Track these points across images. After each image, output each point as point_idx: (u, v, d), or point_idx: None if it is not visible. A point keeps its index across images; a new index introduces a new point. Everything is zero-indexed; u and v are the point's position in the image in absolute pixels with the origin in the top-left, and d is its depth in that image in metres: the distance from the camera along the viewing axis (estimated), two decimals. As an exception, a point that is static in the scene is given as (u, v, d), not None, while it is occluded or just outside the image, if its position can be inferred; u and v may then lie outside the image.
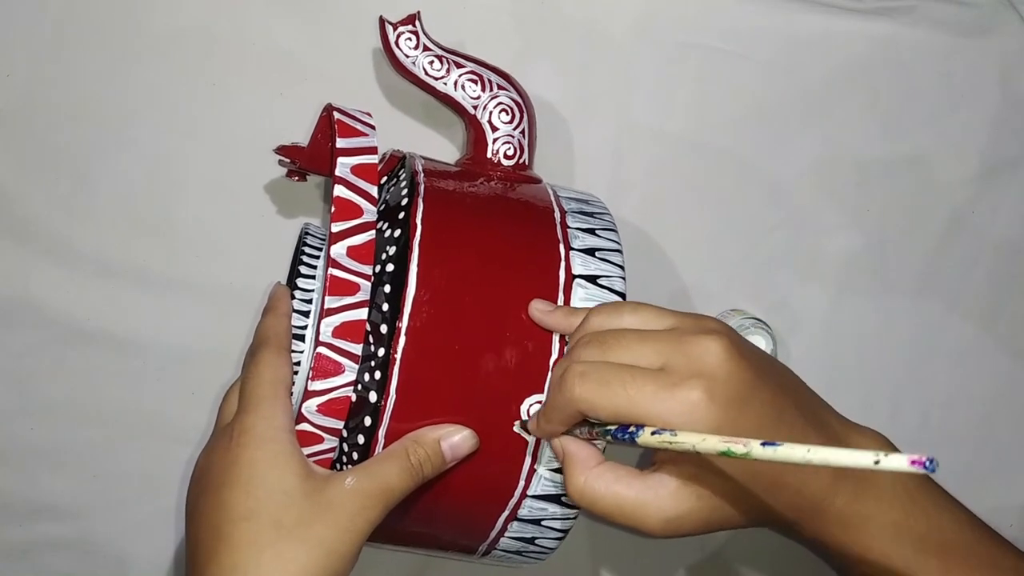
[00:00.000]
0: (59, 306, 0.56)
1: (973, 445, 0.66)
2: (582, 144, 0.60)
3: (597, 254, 0.46)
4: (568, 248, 0.46)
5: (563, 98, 0.59)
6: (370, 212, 0.44)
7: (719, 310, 0.62)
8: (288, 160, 0.51)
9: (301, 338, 0.46)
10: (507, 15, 0.58)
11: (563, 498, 0.45)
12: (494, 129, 0.51)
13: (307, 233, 0.49)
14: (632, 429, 0.36)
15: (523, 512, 0.45)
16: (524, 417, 0.43)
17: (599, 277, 0.45)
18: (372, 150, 0.46)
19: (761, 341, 0.60)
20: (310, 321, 0.46)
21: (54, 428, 0.58)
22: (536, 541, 0.47)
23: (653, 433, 0.35)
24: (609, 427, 0.38)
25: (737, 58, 0.60)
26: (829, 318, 0.64)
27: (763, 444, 0.31)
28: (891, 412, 0.64)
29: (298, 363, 0.46)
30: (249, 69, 0.56)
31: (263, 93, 0.57)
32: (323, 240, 0.48)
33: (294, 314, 0.46)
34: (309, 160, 0.50)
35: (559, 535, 0.47)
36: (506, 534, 0.46)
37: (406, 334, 0.42)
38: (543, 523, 0.46)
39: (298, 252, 0.50)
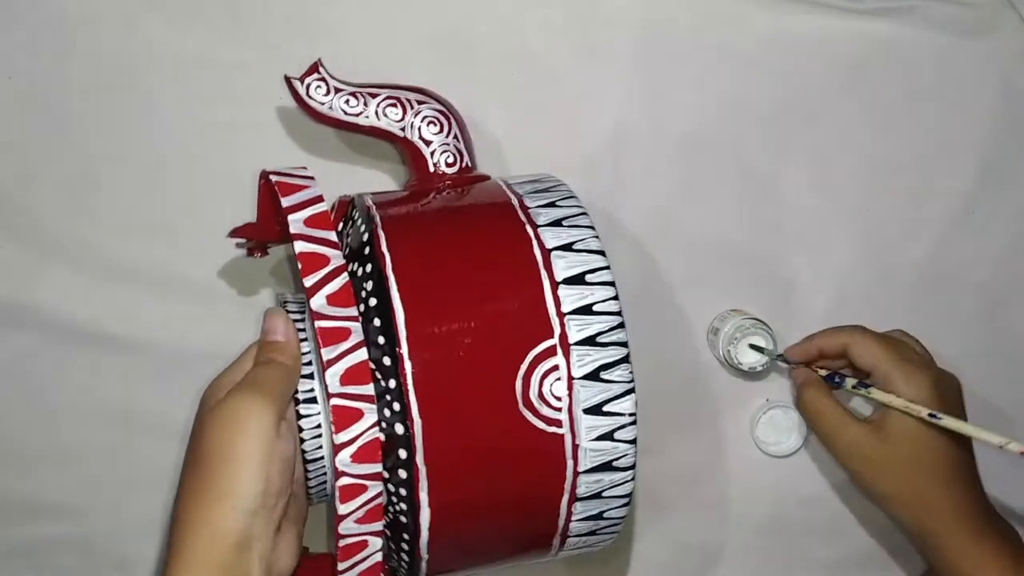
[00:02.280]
0: (61, 307, 0.56)
1: (973, 445, 0.66)
2: (582, 145, 0.60)
3: (565, 223, 0.46)
4: (535, 226, 0.46)
5: (563, 99, 0.59)
6: (336, 257, 0.44)
7: (719, 310, 0.62)
8: (244, 240, 0.51)
9: (314, 400, 0.46)
10: (508, 17, 0.58)
11: (615, 462, 0.45)
12: (427, 143, 0.52)
13: (285, 302, 0.49)
14: (837, 379, 0.56)
15: (581, 490, 0.45)
16: (538, 393, 0.44)
17: (574, 243, 0.46)
18: (318, 199, 0.45)
19: (761, 341, 0.60)
20: (316, 382, 0.46)
21: (56, 428, 0.58)
22: (604, 514, 0.47)
23: (854, 387, 0.55)
24: (849, 376, 0.56)
25: (737, 58, 0.60)
26: (829, 318, 0.64)
27: (929, 414, 0.51)
28: (891, 412, 0.64)
29: (318, 426, 0.46)
30: (251, 70, 0.56)
31: (265, 94, 0.56)
32: (302, 303, 0.48)
33: (301, 379, 0.46)
34: (262, 232, 0.50)
35: (624, 501, 0.46)
36: (573, 518, 0.46)
37: (410, 358, 0.42)
38: (604, 494, 0.46)
39: None
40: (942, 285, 0.64)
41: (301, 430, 0.45)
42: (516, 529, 0.47)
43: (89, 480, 0.59)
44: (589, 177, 0.60)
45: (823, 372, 0.57)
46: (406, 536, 0.45)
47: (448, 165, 0.52)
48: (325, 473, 0.47)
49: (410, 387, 0.42)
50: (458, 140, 0.53)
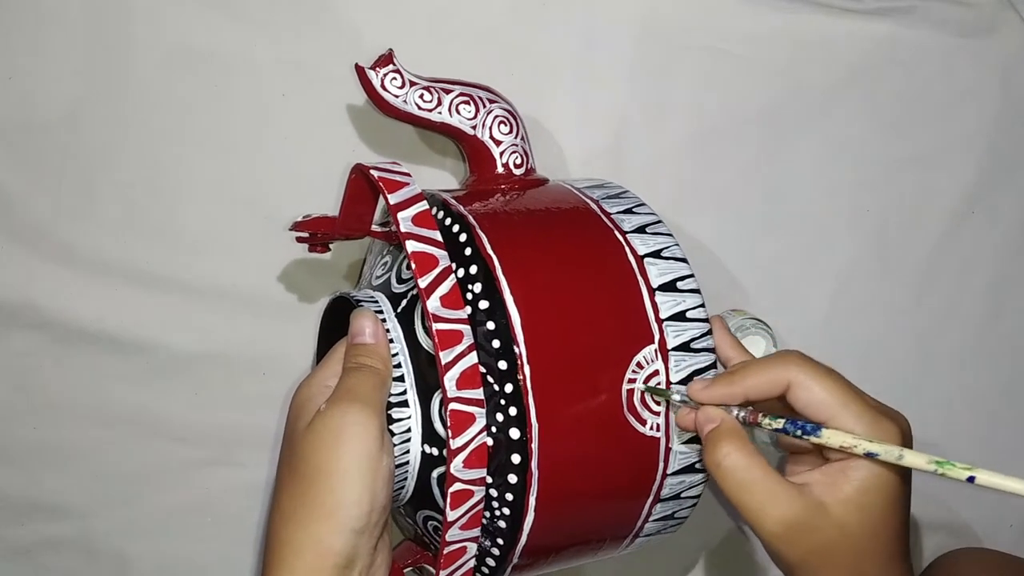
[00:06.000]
0: (62, 307, 0.56)
1: (973, 445, 0.66)
2: (582, 145, 0.60)
3: (648, 230, 0.47)
4: (623, 233, 0.47)
5: (564, 99, 0.59)
6: (444, 257, 0.43)
7: (719, 310, 0.62)
8: (309, 233, 0.50)
9: (404, 404, 0.45)
10: (508, 17, 0.58)
11: (697, 464, 0.46)
12: (497, 143, 0.51)
13: (359, 301, 0.47)
14: (811, 425, 0.39)
15: (665, 492, 0.46)
16: (640, 397, 0.44)
17: (661, 250, 0.46)
18: (421, 197, 0.45)
19: (761, 341, 0.60)
20: (407, 384, 0.45)
21: (56, 428, 0.58)
22: (676, 514, 0.48)
23: (803, 433, 0.39)
24: (780, 417, 0.40)
25: (737, 59, 0.60)
26: (829, 318, 0.64)
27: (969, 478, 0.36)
28: (891, 412, 0.64)
29: (407, 430, 0.45)
30: (250, 71, 0.56)
31: (265, 95, 0.56)
32: (374, 301, 0.47)
33: (392, 383, 0.45)
34: (343, 226, 0.49)
35: (694, 502, 0.47)
36: (651, 518, 0.47)
37: (529, 362, 0.42)
38: (682, 495, 0.47)
39: (326, 323, 0.51)
40: (942, 285, 0.65)
41: (392, 435, 0.45)
42: (601, 532, 0.47)
43: (89, 480, 0.58)
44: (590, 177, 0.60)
45: (741, 413, 0.42)
46: (500, 541, 0.44)
47: (516, 166, 0.52)
48: (406, 479, 0.46)
49: (529, 392, 0.41)
50: (524, 141, 0.53)
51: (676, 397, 0.43)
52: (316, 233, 0.50)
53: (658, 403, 0.44)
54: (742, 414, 0.41)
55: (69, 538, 0.59)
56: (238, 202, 0.57)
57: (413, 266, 0.43)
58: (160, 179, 0.56)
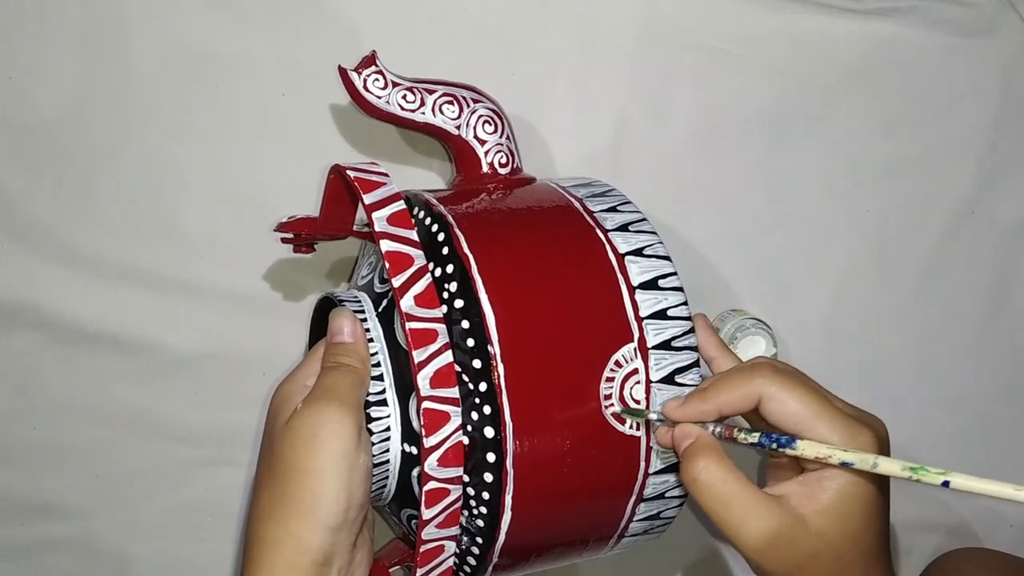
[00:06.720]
0: (62, 307, 0.56)
1: (973, 445, 0.66)
2: (582, 144, 0.60)
3: (631, 228, 0.47)
4: (604, 231, 0.46)
5: (564, 99, 0.59)
6: (419, 257, 0.43)
7: (719, 310, 0.62)
8: (293, 234, 0.50)
9: (382, 403, 0.45)
10: (508, 17, 0.58)
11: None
12: (482, 143, 0.51)
13: (341, 300, 0.47)
14: (785, 438, 0.39)
15: (648, 491, 0.45)
16: (619, 396, 0.44)
17: (643, 248, 0.46)
18: (398, 196, 0.45)
19: (761, 341, 0.60)
20: (387, 383, 0.45)
21: (57, 428, 0.58)
22: (661, 515, 0.47)
23: (778, 446, 0.39)
24: (755, 431, 0.39)
25: (738, 59, 0.60)
26: (829, 318, 0.64)
27: (944, 482, 0.34)
28: (891, 412, 0.63)
29: (387, 429, 0.45)
30: (250, 71, 0.56)
31: (264, 95, 0.56)
32: (356, 300, 0.47)
33: (371, 381, 0.45)
34: (324, 226, 0.49)
35: (680, 501, 0.47)
36: (635, 518, 0.46)
37: (503, 361, 0.42)
38: (666, 495, 0.46)
39: (316, 324, 0.51)
40: (942, 285, 0.65)
41: (371, 433, 0.45)
42: (583, 532, 0.47)
43: (89, 480, 0.59)
44: (590, 178, 0.60)
45: (716, 428, 0.41)
46: (479, 540, 0.44)
47: (501, 165, 0.51)
48: (387, 478, 0.46)
49: (503, 390, 0.41)
50: (510, 140, 0.52)
51: (652, 416, 0.43)
52: (299, 234, 0.50)
53: (638, 403, 0.44)
54: (718, 429, 0.41)
55: (69, 538, 0.59)
56: (238, 202, 0.57)
57: (387, 265, 0.43)
58: (160, 179, 0.56)
